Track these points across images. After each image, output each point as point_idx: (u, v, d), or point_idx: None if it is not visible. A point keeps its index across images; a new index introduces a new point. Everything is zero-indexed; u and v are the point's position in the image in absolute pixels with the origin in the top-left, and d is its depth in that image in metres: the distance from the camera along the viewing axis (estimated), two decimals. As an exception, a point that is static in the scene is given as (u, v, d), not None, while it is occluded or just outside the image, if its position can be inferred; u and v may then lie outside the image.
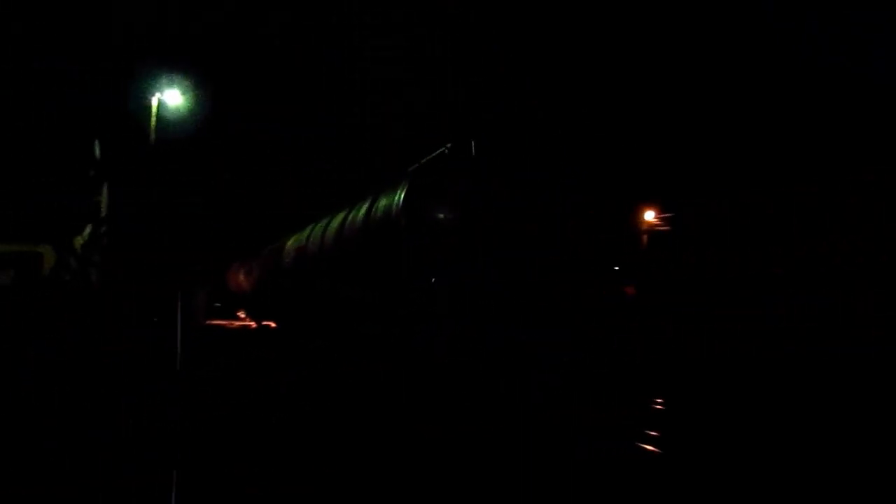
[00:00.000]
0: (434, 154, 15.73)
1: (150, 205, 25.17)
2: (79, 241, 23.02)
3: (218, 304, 38.61)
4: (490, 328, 15.06)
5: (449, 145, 15.58)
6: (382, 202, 16.95)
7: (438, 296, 14.91)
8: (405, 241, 15.03)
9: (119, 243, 24.98)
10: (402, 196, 15.37)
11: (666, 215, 33.68)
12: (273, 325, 30.78)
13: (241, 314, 37.43)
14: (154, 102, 21.65)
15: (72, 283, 22.65)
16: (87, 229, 23.29)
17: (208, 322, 31.18)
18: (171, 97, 22.24)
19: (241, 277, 34.82)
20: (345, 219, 19.02)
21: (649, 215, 33.74)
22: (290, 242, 24.08)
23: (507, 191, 15.59)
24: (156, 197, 25.16)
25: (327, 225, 20.26)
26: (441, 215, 15.06)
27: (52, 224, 22.13)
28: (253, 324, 33.25)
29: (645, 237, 33.95)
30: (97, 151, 23.78)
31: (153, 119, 21.85)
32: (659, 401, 11.23)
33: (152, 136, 22.20)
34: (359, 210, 18.13)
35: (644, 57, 36.36)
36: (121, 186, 24.57)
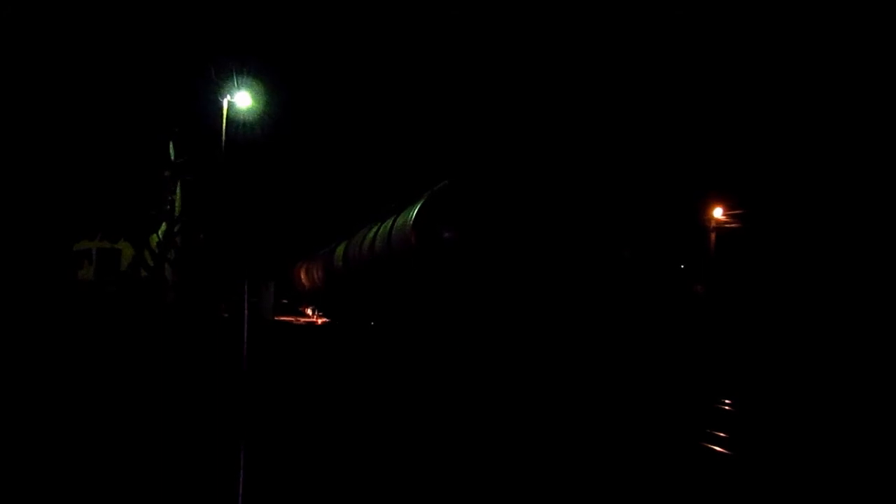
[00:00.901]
0: (442, 184, 17.11)
1: (221, 204, 26.00)
2: (154, 238, 23.94)
3: (285, 301, 39.53)
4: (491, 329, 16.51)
5: (450, 179, 17.40)
6: (400, 220, 18.77)
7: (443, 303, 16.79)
8: (414, 255, 17.00)
9: (192, 241, 25.90)
10: (414, 216, 17.20)
11: (736, 211, 32.70)
12: (329, 321, 31.52)
13: (308, 311, 38.27)
14: (225, 104, 22.29)
15: (148, 278, 23.59)
16: (163, 227, 24.21)
17: (276, 318, 32.01)
18: (242, 99, 22.85)
19: (305, 276, 35.66)
20: (376, 231, 20.97)
21: (718, 212, 32.85)
22: (340, 248, 25.69)
23: (505, 216, 17.14)
24: (227, 196, 25.98)
25: (365, 235, 22.28)
26: (447, 234, 16.78)
27: (130, 222, 23.07)
28: (318, 320, 33.93)
29: (713, 235, 33.08)
30: (172, 153, 24.74)
31: (224, 121, 22.50)
32: (727, 401, 10.94)
33: (223, 137, 22.87)
34: (385, 225, 20.05)
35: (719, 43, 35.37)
36: (194, 186, 25.44)
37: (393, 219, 19.99)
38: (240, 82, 22.31)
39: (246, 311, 8.07)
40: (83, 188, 21.27)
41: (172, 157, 24.48)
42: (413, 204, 18.36)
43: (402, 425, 8.45)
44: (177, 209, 25.19)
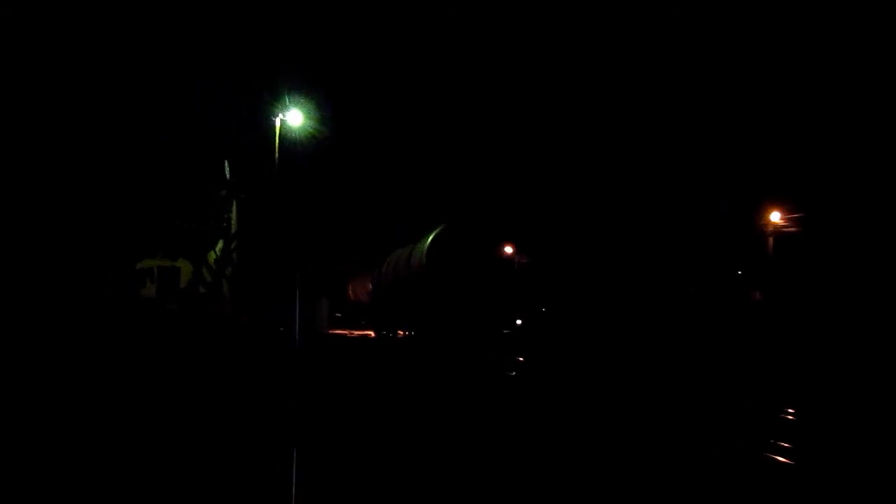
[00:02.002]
0: (452, 221, 21.84)
1: (275, 221, 26.56)
2: (212, 255, 24.60)
3: (339, 315, 40.02)
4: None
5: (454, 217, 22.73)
6: (419, 248, 23.16)
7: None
8: (427, 280, 22.15)
9: (248, 257, 26.50)
10: (427, 247, 21.95)
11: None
12: (380, 334, 32.18)
13: (363, 323, 38.72)
14: (277, 124, 22.80)
15: (207, 294, 24.25)
16: (219, 244, 24.86)
17: (331, 331, 32.46)
18: (293, 118, 23.33)
19: (358, 290, 36.26)
20: (409, 253, 25.33)
21: (775, 216, 31.96)
22: (385, 266, 28.98)
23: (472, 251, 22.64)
24: (280, 213, 26.55)
25: (399, 255, 26.54)
26: (456, 264, 21.59)
27: (188, 241, 23.77)
28: (372, 333, 34.29)
29: (771, 240, 32.21)
30: (227, 172, 25.41)
31: (276, 139, 23.02)
32: (790, 410, 10.67)
33: (276, 155, 23.40)
34: (412, 249, 24.49)
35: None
36: (249, 204, 26.06)
37: (410, 248, 24.92)
38: (291, 101, 22.79)
39: (297, 324, 8.43)
40: (145, 209, 22.05)
41: (228, 177, 25.15)
42: (424, 237, 23.51)
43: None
44: (233, 227, 25.82)
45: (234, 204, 25.23)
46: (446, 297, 22.13)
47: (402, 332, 28.88)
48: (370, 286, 33.84)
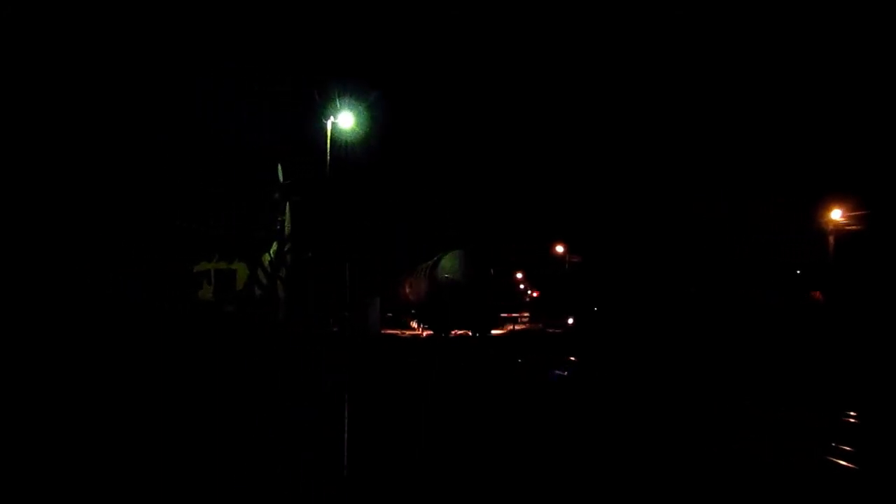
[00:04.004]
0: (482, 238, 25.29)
1: (328, 223, 26.97)
2: (266, 257, 25.07)
3: (390, 315, 40.38)
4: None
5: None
6: (441, 262, 30.84)
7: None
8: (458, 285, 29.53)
9: (301, 259, 26.94)
10: (460, 257, 30.18)
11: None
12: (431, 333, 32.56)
13: (412, 323, 39.00)
14: (329, 126, 23.14)
15: (262, 295, 24.72)
16: (274, 246, 25.32)
17: (383, 331, 32.79)
18: (345, 120, 23.63)
19: (408, 290, 36.50)
20: (427, 265, 32.50)
21: (837, 214, 30.90)
22: (440, 265, 31.87)
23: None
24: (333, 215, 26.94)
25: (439, 259, 31.73)
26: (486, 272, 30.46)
27: (244, 243, 24.28)
28: (423, 333, 34.50)
29: (832, 238, 31.16)
30: (280, 175, 25.87)
31: (328, 142, 23.36)
32: (852, 413, 10.33)
33: (328, 157, 23.73)
34: (446, 259, 30.88)
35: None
36: (302, 206, 26.50)
37: (435, 259, 31.35)
38: (342, 103, 23.10)
39: (350, 323, 8.68)
40: (201, 214, 22.65)
41: (281, 180, 25.58)
42: (451, 251, 30.78)
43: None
44: (286, 229, 26.27)
45: (288, 206, 25.66)
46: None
47: (455, 332, 29.90)
48: (418, 287, 34.05)
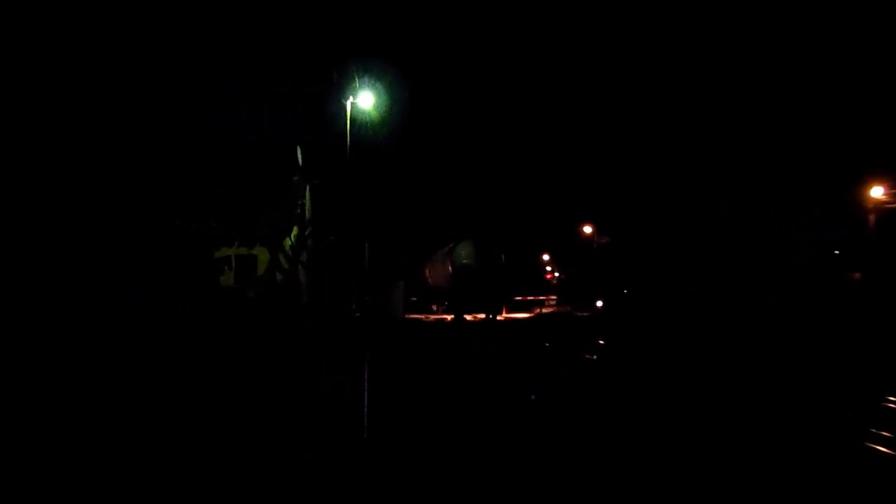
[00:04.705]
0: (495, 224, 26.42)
1: (349, 206, 26.66)
2: (287, 242, 24.87)
3: (414, 299, 40.16)
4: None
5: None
6: (457, 250, 32.47)
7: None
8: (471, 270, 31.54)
9: (323, 244, 26.72)
10: (462, 252, 31.94)
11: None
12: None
13: (435, 307, 38.81)
14: (348, 107, 22.76)
15: (284, 280, 24.56)
16: (294, 231, 25.11)
17: (407, 316, 32.58)
18: (365, 100, 23.23)
19: (431, 274, 36.24)
20: (444, 250, 34.00)
21: (878, 191, 29.69)
22: (458, 250, 33.39)
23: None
24: (354, 199, 26.62)
25: (456, 244, 33.44)
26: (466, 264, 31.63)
27: (264, 228, 24.11)
28: (447, 317, 34.25)
29: (872, 217, 29.99)
30: (300, 158, 25.58)
31: (348, 123, 22.99)
32: (892, 399, 9.75)
33: (348, 140, 23.38)
34: (461, 246, 32.76)
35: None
36: (322, 189, 26.23)
37: (451, 245, 32.84)
38: (361, 83, 22.70)
39: (370, 309, 8.63)
40: (221, 197, 22.49)
41: (300, 163, 25.31)
42: (465, 241, 32.53)
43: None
44: (307, 213, 26.03)
45: (308, 190, 25.40)
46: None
47: (469, 317, 30.47)
48: (442, 271, 33.80)
